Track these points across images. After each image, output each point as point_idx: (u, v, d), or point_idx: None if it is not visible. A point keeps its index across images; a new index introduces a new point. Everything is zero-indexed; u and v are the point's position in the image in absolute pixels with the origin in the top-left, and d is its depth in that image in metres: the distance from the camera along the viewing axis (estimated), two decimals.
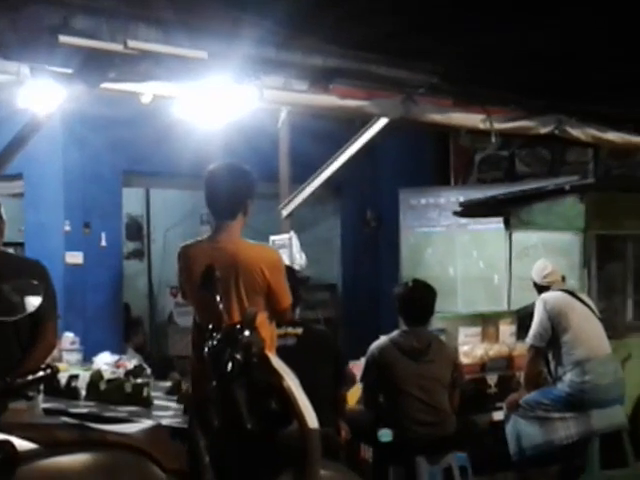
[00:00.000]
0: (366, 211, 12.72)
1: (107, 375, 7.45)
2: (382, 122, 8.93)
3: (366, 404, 6.79)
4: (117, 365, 7.98)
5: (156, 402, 6.99)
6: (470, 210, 10.12)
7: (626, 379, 7.71)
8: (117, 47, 6.62)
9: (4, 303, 4.04)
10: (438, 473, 6.35)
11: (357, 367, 7.02)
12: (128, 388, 7.04)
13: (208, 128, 8.48)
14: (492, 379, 7.93)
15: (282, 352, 4.75)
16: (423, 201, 11.82)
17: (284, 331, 5.84)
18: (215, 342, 4.07)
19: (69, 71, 6.98)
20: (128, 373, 7.54)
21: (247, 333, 4.05)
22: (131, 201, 11.49)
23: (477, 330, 8.26)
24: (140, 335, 10.71)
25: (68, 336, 8.68)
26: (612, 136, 10.33)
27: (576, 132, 9.89)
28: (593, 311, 7.68)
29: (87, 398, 7.21)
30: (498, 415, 7.71)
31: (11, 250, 9.74)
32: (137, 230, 12.39)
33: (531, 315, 7.67)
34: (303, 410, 3.98)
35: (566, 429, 7.38)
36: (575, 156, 12.78)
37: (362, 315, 11.82)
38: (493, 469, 7.49)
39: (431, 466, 6.33)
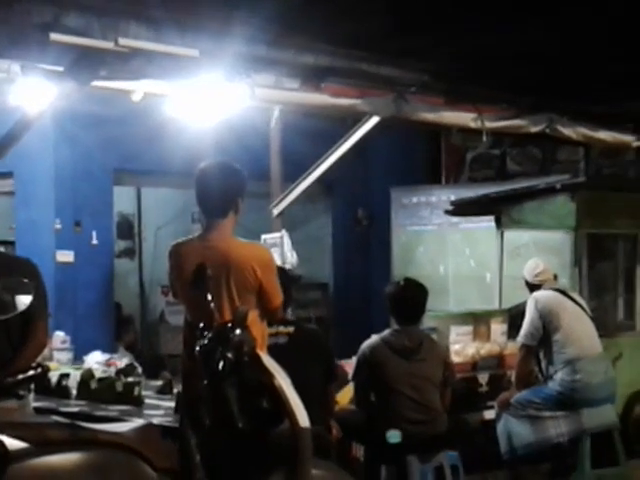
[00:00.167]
0: (357, 210, 12.72)
1: (98, 374, 7.44)
2: (373, 120, 8.93)
3: (357, 403, 6.79)
4: (108, 364, 7.97)
5: (147, 401, 6.97)
6: (461, 209, 10.12)
7: (617, 378, 7.72)
8: (108, 45, 6.61)
9: None
10: (429, 472, 6.35)
11: (349, 366, 7.02)
12: (119, 387, 7.02)
13: (199, 126, 8.47)
14: (483, 378, 7.94)
15: (273, 350, 4.75)
16: (414, 200, 11.83)
17: (275, 330, 5.83)
18: (206, 341, 4.07)
19: (60, 69, 6.98)
20: (119, 372, 7.53)
21: (238, 332, 4.05)
22: (122, 199, 11.47)
23: (468, 329, 8.27)
24: (131, 334, 10.70)
25: (59, 335, 8.65)
26: (603, 135, 10.36)
27: (567, 131, 9.92)
28: (584, 310, 7.69)
29: (78, 397, 7.19)
30: (489, 414, 7.72)
31: (1, 248, 9.72)
32: (128, 228, 12.37)
33: (522, 314, 7.67)
34: (294, 409, 3.98)
35: (557, 428, 7.38)
36: (566, 155, 12.80)
37: (354, 314, 11.82)
38: (484, 468, 7.50)
39: (422, 465, 6.33)
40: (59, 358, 8.49)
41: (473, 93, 9.35)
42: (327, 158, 9.35)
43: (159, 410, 6.67)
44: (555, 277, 7.94)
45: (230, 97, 7.69)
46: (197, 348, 4.08)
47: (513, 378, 7.74)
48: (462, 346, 8.05)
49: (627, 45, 9.40)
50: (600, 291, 9.29)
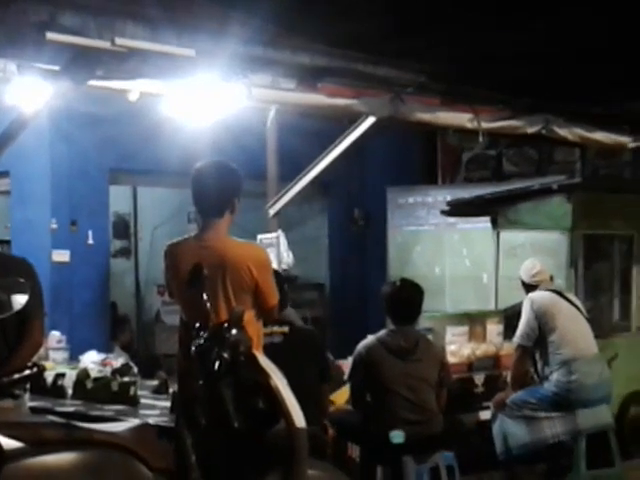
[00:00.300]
0: (354, 210, 12.73)
1: (94, 374, 7.43)
2: (370, 121, 8.93)
3: (353, 403, 6.79)
4: (104, 364, 7.97)
5: (143, 401, 6.97)
6: (458, 209, 10.12)
7: (612, 379, 7.72)
8: (104, 44, 6.61)
9: None
10: (425, 472, 6.36)
11: (345, 366, 7.02)
12: (115, 387, 7.02)
13: (195, 126, 8.47)
14: (479, 378, 7.94)
15: (269, 349, 4.75)
16: (411, 200, 11.83)
17: (270, 330, 5.83)
18: (202, 341, 4.06)
19: (56, 68, 6.98)
20: (115, 372, 7.53)
21: (234, 332, 4.05)
22: (118, 199, 11.46)
23: (464, 329, 8.27)
24: (127, 333, 10.70)
25: (54, 334, 8.65)
26: (599, 136, 10.36)
27: (563, 132, 9.92)
28: (580, 311, 7.69)
29: (74, 397, 7.19)
30: (485, 414, 7.72)
31: None
32: (124, 228, 12.36)
33: (518, 315, 7.67)
34: (290, 409, 3.97)
35: (552, 428, 7.39)
36: (562, 156, 12.81)
37: (350, 314, 11.82)
38: (480, 468, 7.50)
39: (418, 465, 6.33)
40: (55, 358, 8.49)
41: (469, 94, 9.35)
42: (323, 158, 9.35)
43: (155, 410, 6.66)
44: (551, 278, 7.94)
45: (226, 97, 7.69)
46: (193, 348, 4.07)
47: (509, 379, 7.74)
48: (458, 347, 8.05)
49: (625, 46, 9.42)
50: (596, 292, 9.29)
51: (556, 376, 7.38)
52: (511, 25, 9.12)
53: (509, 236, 9.76)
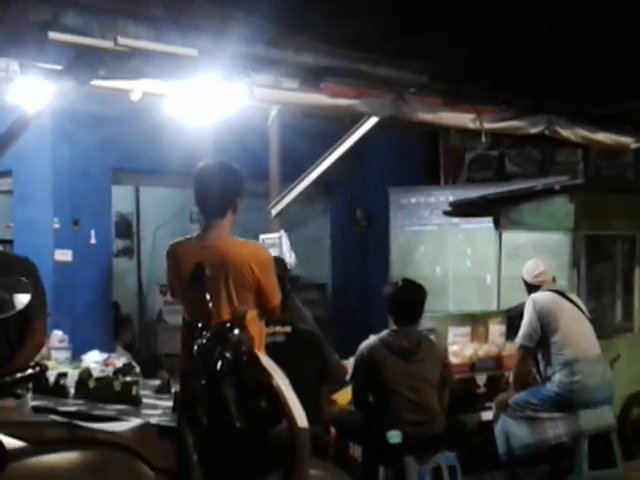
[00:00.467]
0: (356, 210, 12.72)
1: (96, 373, 7.44)
2: (372, 121, 8.93)
3: (355, 404, 6.78)
4: (106, 363, 7.98)
5: (145, 400, 6.97)
6: (460, 210, 10.12)
7: (615, 379, 7.72)
8: (107, 44, 6.60)
9: None
10: (427, 472, 6.36)
11: (348, 366, 7.01)
12: (117, 386, 7.02)
13: (198, 126, 8.46)
14: (481, 379, 7.94)
15: (271, 349, 4.75)
16: (413, 200, 11.82)
17: (272, 330, 5.84)
18: (205, 340, 4.06)
19: (59, 68, 6.98)
20: (117, 371, 7.54)
21: (237, 332, 4.05)
22: (121, 199, 11.46)
23: (466, 330, 8.27)
24: (129, 333, 10.70)
25: (57, 334, 8.66)
26: (602, 137, 10.35)
27: (566, 132, 9.91)
28: (583, 311, 7.68)
29: (76, 396, 7.19)
30: (487, 415, 7.71)
31: (0, 247, 9.73)
32: (127, 228, 12.37)
33: (521, 315, 7.66)
34: (292, 409, 3.97)
35: (555, 429, 7.38)
36: (565, 156, 12.80)
37: (352, 314, 11.81)
38: (482, 469, 7.50)
39: (420, 466, 6.33)
40: (57, 357, 8.50)
41: (472, 94, 9.34)
42: (326, 158, 9.34)
43: (157, 410, 6.67)
44: (553, 279, 7.94)
45: (229, 97, 7.68)
46: (195, 348, 4.07)
47: (511, 379, 7.74)
48: (460, 347, 8.05)
49: (627, 45, 9.41)
50: (598, 292, 9.29)
51: (558, 377, 7.38)
52: (512, 25, 9.11)
53: (511, 237, 9.75)
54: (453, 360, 7.64)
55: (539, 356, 7.59)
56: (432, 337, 7.38)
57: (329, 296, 12.53)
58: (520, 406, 7.45)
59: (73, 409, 6.79)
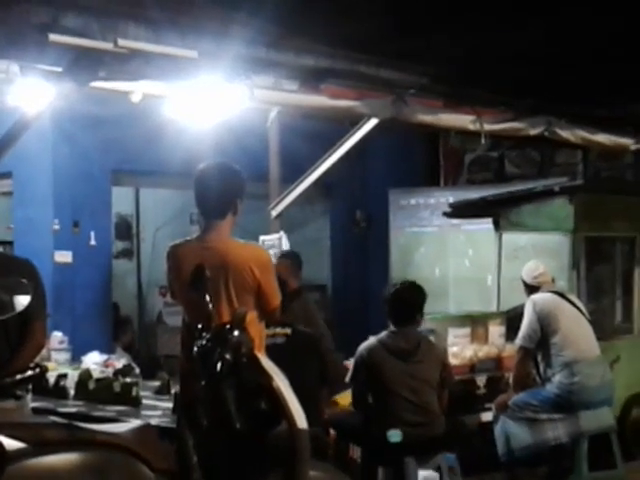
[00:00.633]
0: (356, 211, 12.72)
1: (96, 374, 7.44)
2: (372, 122, 8.94)
3: (355, 405, 6.79)
4: (106, 364, 7.98)
5: (145, 402, 6.98)
6: (460, 211, 10.11)
7: (614, 381, 7.73)
8: (107, 46, 6.61)
9: None
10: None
11: (349, 367, 7.01)
12: (117, 387, 7.03)
13: (198, 127, 8.47)
14: (481, 380, 7.94)
15: (271, 350, 4.75)
16: (413, 201, 11.82)
17: (273, 331, 5.84)
18: (204, 342, 4.06)
19: (59, 69, 6.98)
20: (117, 372, 7.54)
21: (236, 333, 4.05)
22: (120, 200, 11.46)
23: (466, 331, 8.27)
24: (129, 334, 10.70)
25: (57, 335, 8.66)
26: (601, 138, 10.37)
27: (565, 134, 9.93)
28: (582, 313, 7.69)
29: (76, 397, 7.20)
30: (487, 416, 7.72)
31: (0, 248, 9.74)
32: (126, 229, 12.36)
33: (520, 316, 7.67)
34: (292, 410, 3.97)
35: (554, 430, 7.39)
36: (564, 158, 12.80)
37: (352, 315, 11.81)
38: (482, 470, 7.50)
39: (420, 466, 6.32)
40: (57, 358, 8.50)
41: (472, 95, 9.35)
42: (326, 160, 9.35)
43: (157, 411, 6.67)
44: (553, 280, 7.94)
45: (229, 98, 7.69)
46: (195, 349, 4.07)
47: (511, 380, 7.74)
48: (460, 348, 8.05)
49: (629, 47, 9.41)
50: (598, 294, 9.29)
51: (558, 378, 7.39)
52: (512, 25, 9.10)
53: (511, 238, 9.75)
54: (453, 361, 7.64)
55: (539, 357, 7.59)
56: (432, 338, 7.38)
57: (329, 297, 12.52)
58: (520, 407, 7.45)
59: (73, 410, 6.80)
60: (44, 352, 7.36)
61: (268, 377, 3.99)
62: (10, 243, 10.28)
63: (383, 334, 6.67)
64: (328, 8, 8.45)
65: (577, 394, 7.35)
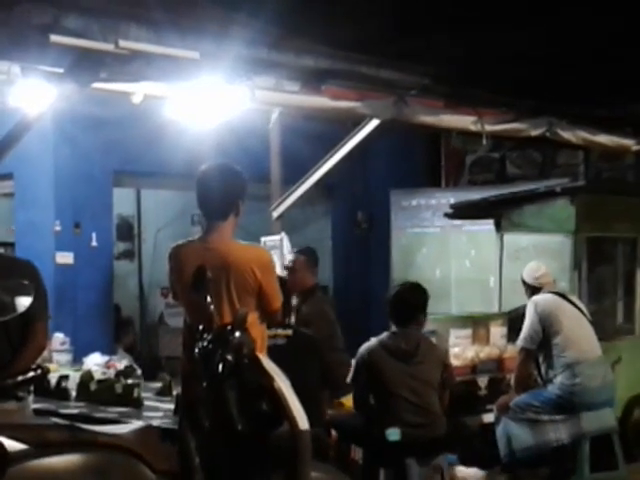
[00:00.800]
0: (357, 212, 12.71)
1: (97, 376, 7.44)
2: (373, 123, 8.94)
3: (356, 406, 6.79)
4: (107, 366, 7.96)
5: (146, 403, 6.98)
6: (461, 212, 10.11)
7: (616, 382, 7.73)
8: (108, 47, 6.61)
9: None
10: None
11: None
12: (118, 389, 7.03)
13: (199, 128, 8.47)
14: (482, 381, 7.93)
15: (273, 351, 4.76)
16: (414, 202, 11.81)
17: (274, 332, 5.84)
18: (206, 343, 4.06)
19: (60, 70, 6.98)
20: (118, 374, 7.53)
21: (238, 334, 4.05)
22: (122, 201, 11.46)
23: (468, 332, 8.25)
24: (130, 336, 10.70)
25: (58, 336, 8.65)
26: (603, 139, 10.36)
27: (567, 134, 9.92)
28: (584, 313, 7.69)
29: (77, 399, 7.20)
30: (488, 417, 7.71)
31: (1, 250, 9.74)
32: (128, 230, 12.37)
33: (522, 317, 7.67)
34: (294, 411, 3.97)
35: (556, 431, 7.38)
36: (566, 158, 12.80)
37: (353, 317, 11.76)
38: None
39: (421, 467, 6.32)
40: (58, 360, 8.50)
41: (473, 96, 9.35)
42: (327, 161, 9.35)
43: (158, 412, 6.67)
44: (554, 281, 7.94)
45: (230, 99, 7.69)
46: (196, 350, 4.07)
47: (512, 381, 7.74)
48: (461, 349, 8.04)
49: (629, 47, 9.41)
50: (599, 295, 9.28)
51: (560, 379, 7.39)
52: (512, 25, 9.11)
53: (513, 239, 9.75)
54: (454, 362, 7.64)
55: (540, 358, 7.59)
56: (433, 339, 7.38)
57: (330, 298, 12.51)
58: (521, 408, 7.45)
59: (74, 412, 6.79)
60: (45, 353, 7.35)
61: (269, 378, 3.99)
62: (11, 244, 10.28)
63: (384, 335, 6.67)
64: (329, 9, 8.46)
65: (579, 395, 7.34)
